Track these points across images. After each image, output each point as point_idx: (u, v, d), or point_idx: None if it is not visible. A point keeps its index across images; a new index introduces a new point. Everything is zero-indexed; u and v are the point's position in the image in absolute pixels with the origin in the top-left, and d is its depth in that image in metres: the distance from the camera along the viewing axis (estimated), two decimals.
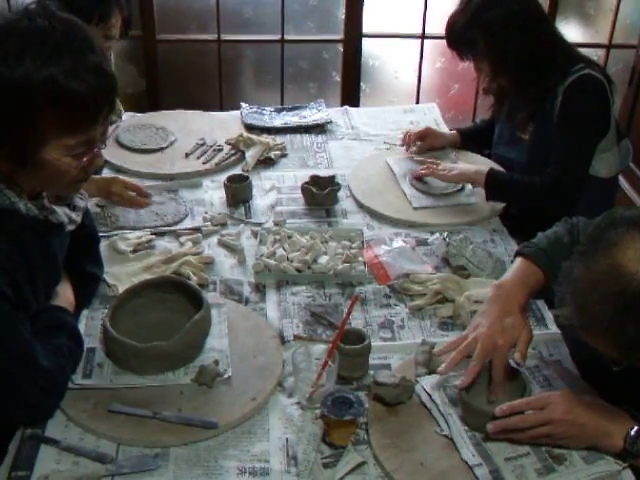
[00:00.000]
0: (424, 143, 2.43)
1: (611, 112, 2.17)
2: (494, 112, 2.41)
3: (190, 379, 1.46)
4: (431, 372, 1.49)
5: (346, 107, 2.88)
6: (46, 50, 1.20)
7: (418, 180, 2.25)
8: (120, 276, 1.76)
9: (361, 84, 3.75)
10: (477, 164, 2.30)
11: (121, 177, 2.08)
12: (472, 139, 2.50)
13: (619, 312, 1.17)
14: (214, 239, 1.97)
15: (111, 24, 2.12)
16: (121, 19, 2.22)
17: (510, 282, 1.55)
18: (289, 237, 1.94)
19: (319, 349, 1.48)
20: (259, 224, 2.05)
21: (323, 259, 1.86)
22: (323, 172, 2.26)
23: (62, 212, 1.43)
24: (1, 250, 1.29)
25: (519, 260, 1.60)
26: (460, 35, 2.15)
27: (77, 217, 1.48)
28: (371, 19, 3.56)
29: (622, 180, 2.55)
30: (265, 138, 2.47)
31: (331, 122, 2.68)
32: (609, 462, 1.31)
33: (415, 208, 2.13)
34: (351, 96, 3.70)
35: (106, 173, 2.29)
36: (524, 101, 2.18)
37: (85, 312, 1.64)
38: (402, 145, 2.49)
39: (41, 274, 1.41)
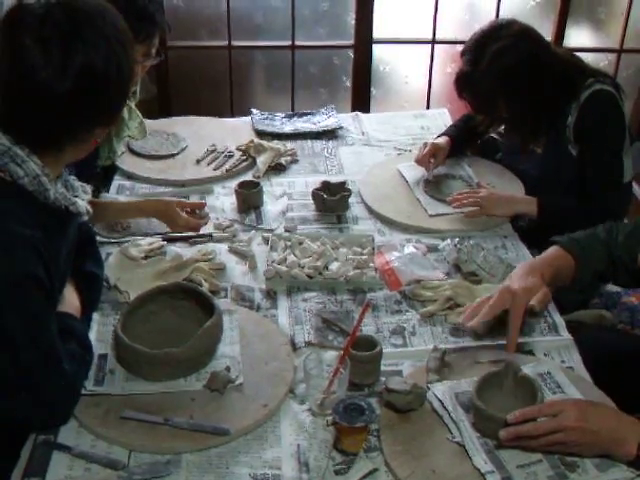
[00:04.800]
0: (437, 159, 2.36)
1: (625, 120, 2.18)
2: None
3: (202, 385, 1.46)
4: (443, 379, 1.49)
5: (357, 113, 2.88)
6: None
7: (431, 187, 2.25)
8: (132, 282, 1.76)
9: (372, 89, 3.75)
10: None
11: (175, 199, 2.00)
12: (459, 143, 2.45)
13: None
14: (225, 245, 1.97)
15: (153, 43, 2.13)
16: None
17: (536, 260, 1.66)
18: (300, 243, 1.94)
19: (330, 356, 1.48)
20: (270, 230, 2.05)
21: (334, 265, 1.86)
22: (334, 178, 2.26)
23: (81, 203, 1.41)
24: (38, 238, 1.27)
25: (551, 248, 1.67)
26: (474, 87, 2.13)
27: (89, 209, 1.46)
28: (381, 24, 3.56)
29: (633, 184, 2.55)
30: (276, 144, 2.47)
31: (342, 128, 2.68)
32: (622, 470, 1.30)
33: (431, 215, 2.13)
34: (362, 102, 3.69)
35: (117, 180, 2.31)
36: (537, 121, 2.17)
37: (97, 318, 1.65)
38: (419, 164, 2.38)
39: (61, 267, 1.40)
